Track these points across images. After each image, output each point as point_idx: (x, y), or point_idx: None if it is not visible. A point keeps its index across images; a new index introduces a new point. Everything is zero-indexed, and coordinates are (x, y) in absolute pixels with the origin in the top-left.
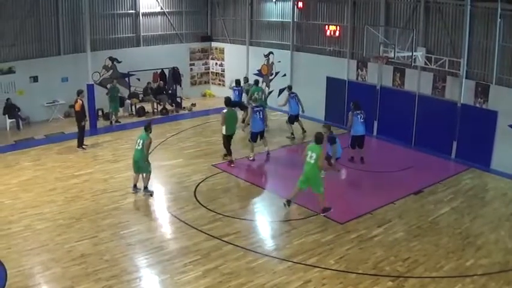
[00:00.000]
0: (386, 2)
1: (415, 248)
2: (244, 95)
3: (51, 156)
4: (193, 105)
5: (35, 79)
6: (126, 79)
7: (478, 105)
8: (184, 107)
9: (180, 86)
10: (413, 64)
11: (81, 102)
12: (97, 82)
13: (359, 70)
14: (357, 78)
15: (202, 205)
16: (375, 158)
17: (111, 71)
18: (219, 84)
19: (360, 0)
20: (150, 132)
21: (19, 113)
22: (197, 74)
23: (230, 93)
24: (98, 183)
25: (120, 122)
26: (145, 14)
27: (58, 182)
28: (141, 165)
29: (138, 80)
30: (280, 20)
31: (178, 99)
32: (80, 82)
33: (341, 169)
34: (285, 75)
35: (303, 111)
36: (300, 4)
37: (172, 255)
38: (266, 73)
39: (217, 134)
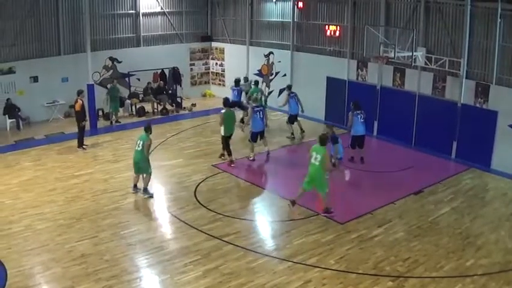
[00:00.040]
0: (387, 2)
1: (415, 248)
2: (243, 94)
3: (51, 156)
4: (194, 105)
5: (35, 79)
6: (126, 79)
7: (478, 105)
8: (184, 107)
9: (180, 86)
10: (413, 64)
11: (81, 102)
12: (97, 82)
13: (359, 70)
14: (357, 78)
15: (203, 205)
16: (375, 158)
17: (111, 71)
18: (219, 84)
19: (360, 0)
20: (150, 133)
21: (19, 113)
22: (197, 74)
23: (230, 93)
24: (98, 183)
25: (120, 122)
26: (145, 14)
27: (58, 182)
28: (142, 166)
29: (138, 80)
30: (281, 20)
31: (179, 99)
32: (80, 82)
33: (343, 169)
34: (285, 75)
35: (302, 111)
36: (300, 4)
37: (172, 255)
38: (266, 73)
39: (217, 134)
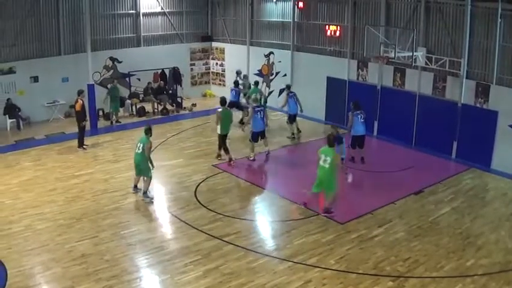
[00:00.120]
0: (387, 2)
1: (416, 248)
2: (242, 94)
3: (51, 156)
4: (194, 105)
5: (35, 79)
6: (127, 79)
7: (478, 105)
8: (184, 107)
9: (181, 86)
10: (413, 64)
11: (81, 102)
12: (97, 82)
13: (359, 70)
14: (358, 78)
15: (203, 205)
16: (375, 158)
17: (112, 71)
18: (220, 84)
19: (361, 0)
20: (151, 136)
21: (19, 113)
22: (197, 74)
23: (226, 92)
24: (98, 183)
25: (120, 122)
26: (145, 14)
27: (58, 182)
28: (142, 169)
29: (139, 80)
30: (281, 20)
31: (179, 99)
32: (80, 82)
33: (348, 172)
34: (285, 75)
35: (301, 110)
36: (301, 4)
37: (172, 255)
38: (266, 73)
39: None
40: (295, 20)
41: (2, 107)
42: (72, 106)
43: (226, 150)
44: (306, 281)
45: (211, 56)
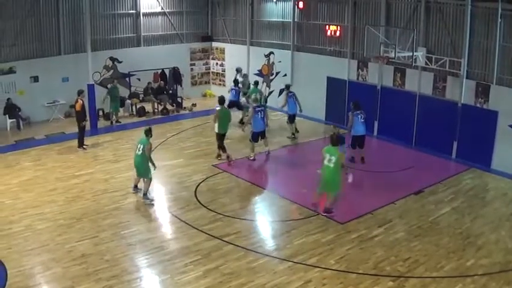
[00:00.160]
0: (387, 2)
1: (416, 248)
2: (241, 93)
3: (51, 156)
4: (194, 105)
5: (35, 79)
6: (127, 79)
7: (478, 105)
8: (184, 107)
9: (181, 86)
10: (413, 64)
11: (81, 102)
12: (97, 82)
13: (359, 70)
14: (358, 78)
15: (203, 205)
16: (375, 158)
17: (112, 71)
18: (220, 84)
19: (361, 0)
20: (151, 137)
21: (20, 113)
22: (198, 74)
23: (228, 93)
24: (98, 183)
25: (120, 122)
26: (145, 14)
27: (58, 182)
28: (142, 170)
29: (139, 80)
30: (281, 20)
31: (179, 99)
32: (80, 82)
33: (348, 172)
34: (285, 75)
35: (300, 110)
36: (301, 4)
37: (172, 255)
38: (267, 73)
39: None
40: (296, 20)
41: (2, 107)
42: (72, 106)
43: (223, 149)
44: (306, 281)
45: (211, 56)
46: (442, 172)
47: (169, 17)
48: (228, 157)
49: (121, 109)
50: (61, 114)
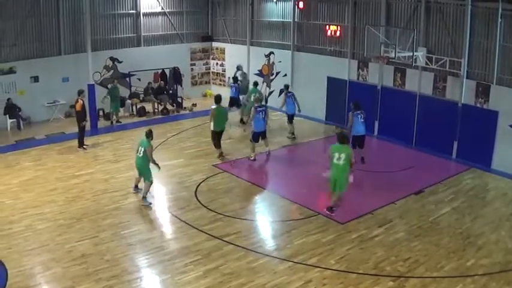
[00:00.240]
0: (387, 2)
1: (416, 248)
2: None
3: (51, 156)
4: (194, 105)
5: (35, 79)
6: (127, 79)
7: (478, 105)
8: (185, 107)
9: (181, 86)
10: (414, 64)
11: (81, 102)
12: (98, 82)
13: (360, 70)
14: (358, 78)
15: (203, 205)
16: (375, 158)
17: (112, 71)
18: (220, 84)
19: (361, 0)
20: (152, 139)
21: (20, 113)
22: (198, 74)
23: (226, 92)
24: (98, 183)
25: (120, 122)
26: (146, 14)
27: (59, 182)
28: (143, 173)
29: (139, 80)
30: (281, 20)
31: (179, 99)
32: (80, 82)
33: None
34: (285, 75)
35: (299, 110)
36: (301, 4)
37: (173, 255)
38: (267, 73)
39: None
40: (296, 20)
41: (2, 107)
42: (73, 106)
43: (218, 146)
44: (306, 281)
45: (211, 56)
46: (442, 172)
47: (170, 17)
48: (220, 153)
49: (121, 109)
50: (61, 114)
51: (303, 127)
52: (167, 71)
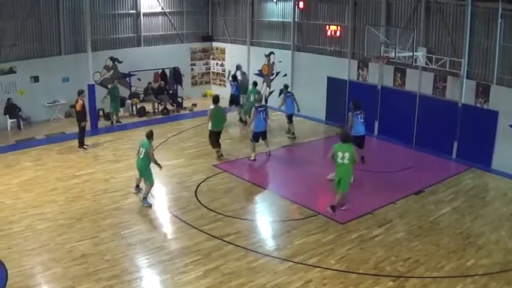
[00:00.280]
0: (387, 2)
1: (416, 248)
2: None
3: (52, 156)
4: (194, 105)
5: (35, 79)
6: (127, 79)
7: (478, 105)
8: (185, 107)
9: (181, 86)
10: (414, 64)
11: (82, 102)
12: (98, 82)
13: (360, 70)
14: (358, 78)
15: (203, 205)
16: (375, 158)
17: (112, 71)
18: (220, 84)
19: (361, 0)
20: (152, 140)
21: (20, 113)
22: (198, 74)
23: (226, 92)
24: (98, 183)
25: (121, 122)
26: (146, 14)
27: (59, 182)
28: (144, 174)
29: (139, 80)
30: (281, 20)
31: (179, 99)
32: (80, 82)
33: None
34: (285, 75)
35: (298, 110)
36: (301, 4)
37: (173, 255)
38: (267, 73)
39: None
40: (296, 20)
41: (2, 107)
42: (73, 106)
43: (214, 145)
44: (307, 281)
45: (211, 56)
46: (442, 172)
47: (170, 17)
48: (218, 150)
49: (121, 109)
50: (61, 114)
51: (303, 127)
52: (167, 71)
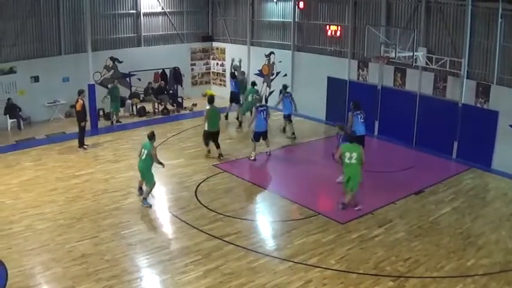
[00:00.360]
0: (388, 2)
1: (416, 248)
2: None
3: (52, 156)
4: (194, 105)
5: (36, 79)
6: (127, 79)
7: (479, 105)
8: (185, 107)
9: (181, 86)
10: (414, 64)
11: (82, 102)
12: (98, 82)
13: (360, 70)
14: (358, 78)
15: (203, 205)
16: (375, 158)
17: (112, 71)
18: (220, 84)
19: (361, 0)
20: (154, 141)
21: (20, 113)
22: (198, 74)
23: (226, 92)
24: (98, 183)
25: (121, 122)
26: (146, 14)
27: (59, 182)
28: (145, 176)
29: (139, 80)
30: (281, 20)
31: (179, 99)
32: (81, 82)
33: None
34: (286, 75)
35: (295, 110)
36: (301, 4)
37: (173, 255)
38: (267, 73)
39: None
40: (296, 20)
41: (2, 107)
42: (73, 106)
43: (206, 144)
44: (307, 281)
45: (211, 56)
46: (443, 172)
47: (170, 17)
48: (208, 151)
49: (121, 109)
50: (61, 114)
51: (303, 127)
52: (167, 71)
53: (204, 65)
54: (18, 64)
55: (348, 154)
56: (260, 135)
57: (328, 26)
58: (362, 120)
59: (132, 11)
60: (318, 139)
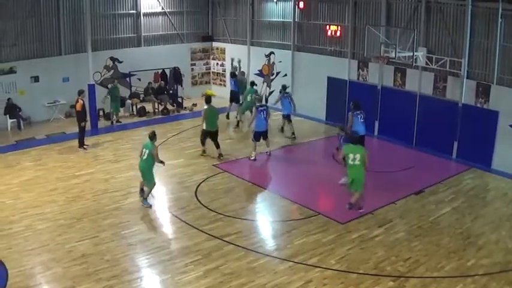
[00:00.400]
0: (388, 2)
1: (416, 248)
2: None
3: (52, 156)
4: (194, 105)
5: (36, 79)
6: (127, 79)
7: (479, 105)
8: (185, 107)
9: (181, 86)
10: (414, 64)
11: (82, 102)
12: (98, 82)
13: (360, 70)
14: (358, 78)
15: (203, 205)
16: (375, 158)
17: (112, 71)
18: (220, 84)
19: (361, 0)
20: (155, 141)
21: (20, 113)
22: (198, 74)
23: (226, 92)
24: (98, 183)
25: (121, 122)
26: (146, 14)
27: (59, 182)
28: (146, 176)
29: (139, 80)
30: (281, 20)
31: (179, 99)
32: (81, 82)
33: None
34: (286, 75)
35: (294, 110)
36: (301, 4)
37: (173, 255)
38: (267, 73)
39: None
40: (296, 20)
41: (2, 107)
42: (73, 106)
43: (203, 143)
44: (307, 281)
45: (211, 56)
46: (443, 172)
47: (170, 17)
48: (204, 151)
49: (121, 109)
50: (62, 114)
51: (303, 127)
52: (167, 71)
53: (204, 65)
54: (18, 64)
55: (351, 155)
56: (260, 135)
57: (328, 26)
58: (362, 120)
59: (132, 11)
60: (318, 139)
